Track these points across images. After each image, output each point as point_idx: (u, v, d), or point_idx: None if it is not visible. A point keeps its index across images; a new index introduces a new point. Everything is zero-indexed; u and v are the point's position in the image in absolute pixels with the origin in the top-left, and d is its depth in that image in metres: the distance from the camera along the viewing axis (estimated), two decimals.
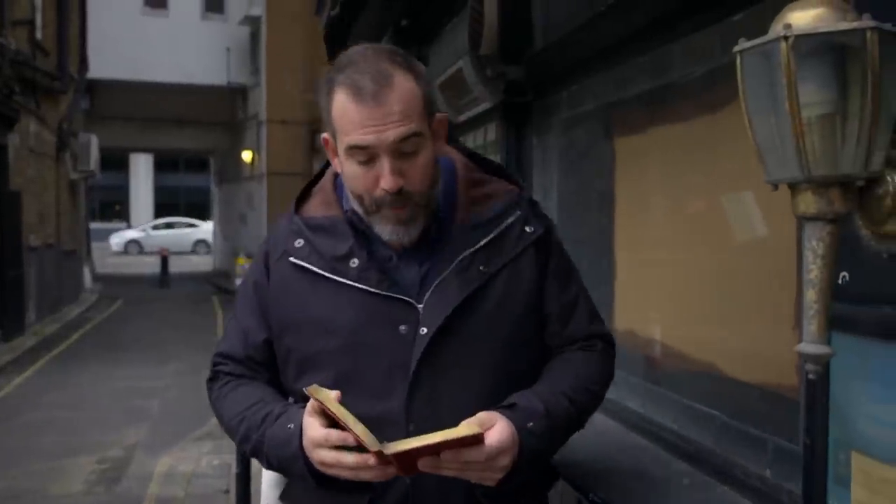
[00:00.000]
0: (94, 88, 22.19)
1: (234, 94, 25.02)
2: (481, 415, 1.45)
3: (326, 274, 1.59)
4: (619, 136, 2.79)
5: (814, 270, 1.21)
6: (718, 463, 2.08)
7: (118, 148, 28.32)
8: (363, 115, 1.47)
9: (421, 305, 1.56)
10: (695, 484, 2.09)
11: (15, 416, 7.79)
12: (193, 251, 35.72)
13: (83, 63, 18.00)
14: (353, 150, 1.50)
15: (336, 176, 1.68)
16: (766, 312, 1.96)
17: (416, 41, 5.87)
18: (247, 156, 23.45)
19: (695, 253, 2.29)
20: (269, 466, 1.63)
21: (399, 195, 1.50)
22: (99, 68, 20.00)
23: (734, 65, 1.25)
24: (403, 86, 1.49)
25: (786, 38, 1.14)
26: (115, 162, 37.56)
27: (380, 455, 1.35)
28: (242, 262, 21.60)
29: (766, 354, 1.97)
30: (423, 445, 1.36)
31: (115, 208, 45.37)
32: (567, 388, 1.59)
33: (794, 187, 1.22)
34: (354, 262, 1.58)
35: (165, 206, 43.73)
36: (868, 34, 1.13)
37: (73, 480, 5.89)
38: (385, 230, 1.56)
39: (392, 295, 1.56)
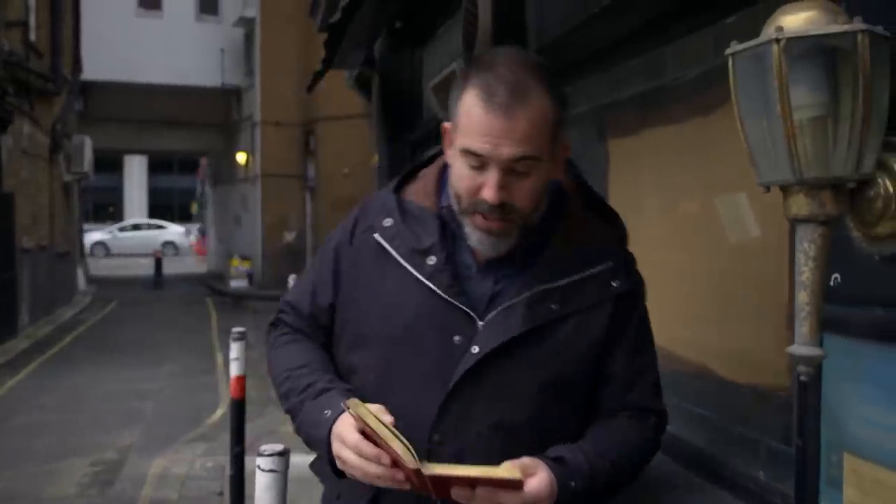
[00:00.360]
0: (88, 90, 22.17)
1: (229, 96, 25.01)
2: (525, 460, 1.42)
3: (402, 262, 1.57)
4: (612, 137, 2.79)
5: (806, 272, 1.22)
6: (711, 464, 2.08)
7: (112, 150, 28.26)
8: (487, 123, 1.42)
9: (482, 323, 1.53)
10: (688, 485, 2.10)
11: (8, 418, 7.77)
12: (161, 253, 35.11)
13: (77, 64, 17.97)
14: (467, 153, 1.46)
15: (443, 169, 1.65)
16: (759, 314, 1.96)
17: (411, 42, 5.88)
18: (241, 157, 23.44)
19: (688, 254, 2.30)
20: (297, 433, 1.63)
21: (497, 208, 1.46)
22: (93, 70, 19.98)
23: (727, 67, 1.25)
24: (536, 105, 1.43)
25: (777, 40, 1.14)
26: (109, 163, 37.46)
27: (417, 473, 1.34)
28: (237, 264, 21.61)
29: (758, 356, 1.97)
30: (462, 476, 1.35)
31: (109, 210, 45.26)
32: (614, 455, 1.53)
33: (785, 189, 1.22)
34: (432, 260, 1.55)
35: (159, 207, 43.67)
36: (859, 37, 1.13)
37: (66, 483, 5.87)
38: (474, 235, 1.52)
39: (456, 303, 1.53)
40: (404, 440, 1.35)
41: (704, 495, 2.00)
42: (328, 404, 1.54)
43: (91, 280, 21.99)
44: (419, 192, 1.66)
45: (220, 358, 10.81)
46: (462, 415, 1.52)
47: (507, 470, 1.38)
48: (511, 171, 1.44)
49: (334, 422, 1.48)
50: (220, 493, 5.47)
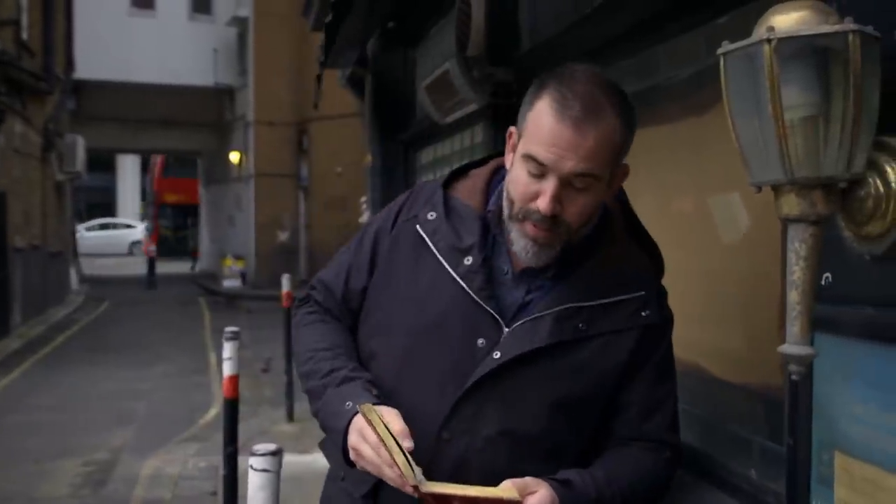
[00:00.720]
0: (81, 89, 22.08)
1: (222, 95, 24.95)
2: (528, 479, 1.43)
3: (439, 257, 1.59)
4: None
5: (797, 272, 1.22)
6: (703, 463, 2.09)
7: (105, 149, 28.18)
8: (555, 134, 1.43)
9: (507, 330, 1.54)
10: (679, 484, 2.10)
11: (1, 418, 7.74)
12: (130, 253, 34.15)
13: (69, 64, 17.91)
14: (530, 159, 1.47)
15: (495, 172, 1.67)
16: (752, 313, 1.97)
17: (403, 42, 5.88)
18: (234, 157, 23.40)
19: (681, 253, 2.30)
20: (315, 415, 1.64)
21: (548, 219, 1.47)
22: (86, 69, 19.91)
23: (719, 67, 1.26)
24: (607, 125, 1.44)
25: (769, 40, 1.15)
26: (102, 163, 37.35)
27: (414, 488, 1.35)
28: (230, 264, 21.57)
29: (751, 355, 1.98)
30: (460, 495, 1.35)
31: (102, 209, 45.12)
32: (625, 486, 1.53)
33: (777, 189, 1.23)
34: (468, 260, 1.57)
35: None
36: (850, 37, 1.14)
37: (58, 483, 5.85)
38: (520, 242, 1.53)
39: (486, 306, 1.54)
40: (407, 455, 1.36)
41: (696, 493, 2.00)
42: (350, 395, 1.54)
43: (84, 279, 21.93)
44: (467, 189, 1.67)
45: (213, 358, 10.79)
46: (474, 417, 1.53)
47: (505, 490, 1.38)
48: (568, 184, 1.45)
49: (355, 414, 1.49)
50: (214, 493, 5.46)
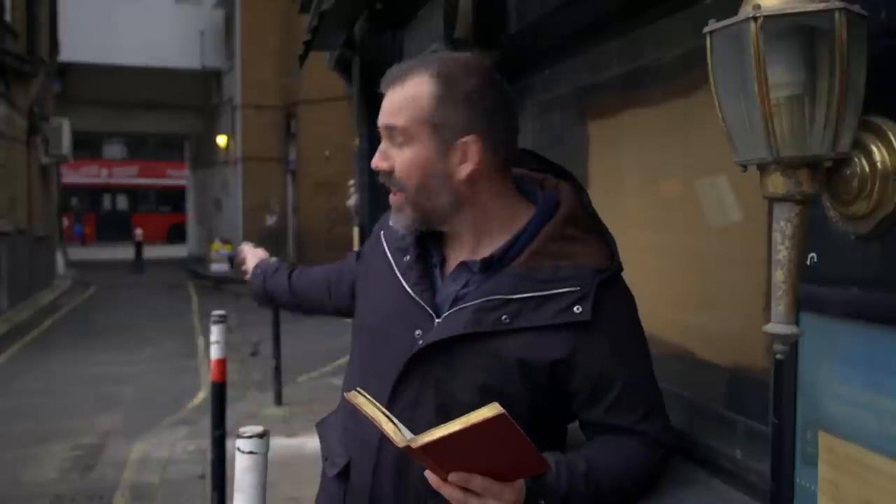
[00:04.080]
0: (67, 72, 21.93)
1: (209, 78, 24.82)
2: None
3: (389, 257, 1.73)
4: (592, 119, 2.79)
5: (782, 251, 1.22)
6: (688, 444, 2.10)
7: (91, 132, 27.99)
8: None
9: (438, 320, 1.61)
10: None
11: None
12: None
13: (54, 46, 17.77)
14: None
15: None
16: (738, 294, 1.97)
17: (391, 25, 5.84)
18: (221, 140, 23.29)
19: (668, 235, 2.30)
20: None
21: (383, 175, 1.63)
22: (71, 51, 19.77)
23: (705, 48, 1.25)
24: (414, 86, 1.58)
25: (755, 18, 1.14)
26: (89, 146, 37.12)
27: (408, 449, 1.36)
28: (217, 248, 21.51)
29: (736, 336, 1.99)
30: (447, 435, 1.30)
31: None
32: (606, 482, 1.54)
33: (762, 168, 1.23)
34: (407, 258, 1.69)
35: None
36: (837, 15, 1.13)
37: (46, 467, 5.85)
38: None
39: (418, 299, 1.63)
40: (395, 420, 1.39)
41: (680, 474, 2.01)
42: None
43: (70, 264, 21.84)
44: None
45: (201, 342, 10.80)
46: (413, 404, 1.60)
47: (485, 409, 1.28)
48: (390, 141, 1.62)
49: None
50: (202, 477, 5.47)
